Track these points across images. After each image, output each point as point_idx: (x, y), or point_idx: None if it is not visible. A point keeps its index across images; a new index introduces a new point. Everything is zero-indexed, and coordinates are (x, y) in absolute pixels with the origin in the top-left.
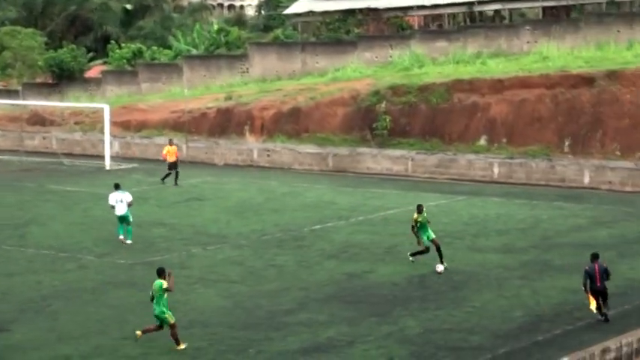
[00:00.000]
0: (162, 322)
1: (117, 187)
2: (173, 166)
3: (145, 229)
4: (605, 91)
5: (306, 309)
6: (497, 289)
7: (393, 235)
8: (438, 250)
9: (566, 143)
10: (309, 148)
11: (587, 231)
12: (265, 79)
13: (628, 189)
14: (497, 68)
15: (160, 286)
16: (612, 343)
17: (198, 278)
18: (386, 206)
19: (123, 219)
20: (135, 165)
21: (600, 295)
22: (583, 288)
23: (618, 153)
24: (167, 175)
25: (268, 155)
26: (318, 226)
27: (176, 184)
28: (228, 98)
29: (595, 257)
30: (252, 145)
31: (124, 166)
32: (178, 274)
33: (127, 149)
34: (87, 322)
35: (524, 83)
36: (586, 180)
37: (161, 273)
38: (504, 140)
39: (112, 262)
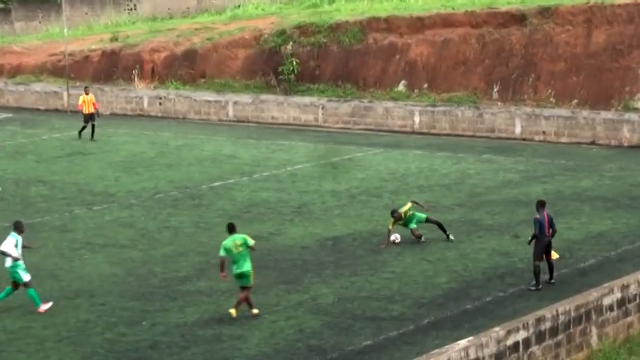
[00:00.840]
0: (246, 283)
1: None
2: (90, 117)
3: (23, 188)
4: (538, 30)
5: (206, 276)
6: (420, 252)
7: (303, 192)
8: (440, 226)
9: (495, 89)
10: (207, 96)
11: (519, 187)
12: (156, 18)
13: (564, 140)
14: (417, 5)
15: (246, 241)
16: (548, 312)
17: (83, 242)
18: (294, 160)
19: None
20: (9, 115)
21: (547, 248)
22: (530, 239)
23: (553, 100)
24: (83, 128)
25: (160, 104)
26: (218, 183)
27: (92, 138)
28: (114, 39)
29: (542, 205)
30: (142, 92)
31: None
32: (61, 238)
33: (0, 97)
34: None
35: (447, 22)
36: (517, 130)
37: (235, 227)
38: (426, 86)
39: None
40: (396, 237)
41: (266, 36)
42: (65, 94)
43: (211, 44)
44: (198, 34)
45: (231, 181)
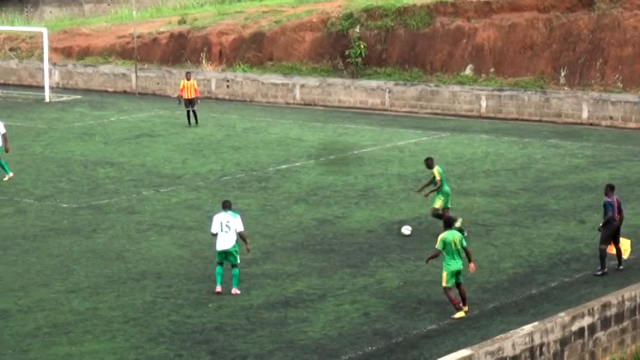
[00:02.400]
0: (458, 280)
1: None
2: (190, 103)
3: (91, 169)
4: (606, 15)
5: (272, 259)
6: (486, 236)
7: (369, 176)
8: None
9: (562, 74)
10: (274, 79)
11: (585, 172)
12: (224, 1)
13: (631, 125)
14: None
15: (462, 239)
16: (613, 298)
17: (150, 224)
18: (360, 144)
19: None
20: (78, 97)
21: (615, 233)
22: (603, 223)
23: (620, 85)
24: (188, 114)
25: (228, 86)
26: (285, 166)
27: (196, 123)
28: (182, 22)
29: (612, 189)
30: (209, 75)
31: (65, 97)
32: (128, 220)
33: (69, 79)
34: (27, 273)
35: (514, 6)
36: (584, 115)
37: (453, 222)
38: (492, 70)
39: (54, 205)
40: (407, 228)
41: (333, 19)
42: (133, 76)
43: (279, 27)
44: (266, 17)
45: (297, 164)
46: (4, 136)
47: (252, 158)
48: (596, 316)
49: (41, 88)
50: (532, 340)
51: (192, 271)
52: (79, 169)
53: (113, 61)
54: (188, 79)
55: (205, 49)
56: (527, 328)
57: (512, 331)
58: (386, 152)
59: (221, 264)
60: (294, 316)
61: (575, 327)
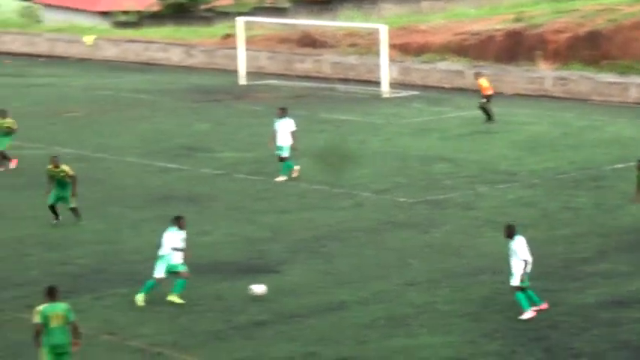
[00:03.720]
0: None
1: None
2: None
3: (427, 165)
4: None
5: (606, 258)
6: None
7: None
8: None
9: None
10: (609, 77)
11: None
12: None
13: None
14: None
15: None
16: None
17: (485, 220)
18: None
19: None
20: (415, 92)
21: None
22: None
23: None
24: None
25: (563, 84)
26: (620, 165)
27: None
28: (518, 20)
29: None
30: (544, 73)
31: (402, 93)
32: (464, 215)
33: (406, 75)
34: (365, 265)
35: None
36: None
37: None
38: None
39: (391, 199)
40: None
41: None
42: (469, 73)
43: (614, 26)
44: (602, 15)
45: (631, 163)
46: (293, 134)
47: (587, 156)
48: None
49: (379, 83)
50: None
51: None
52: (415, 164)
53: (449, 57)
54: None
55: (540, 47)
56: None
57: None
58: None
59: None
60: (628, 316)
61: None
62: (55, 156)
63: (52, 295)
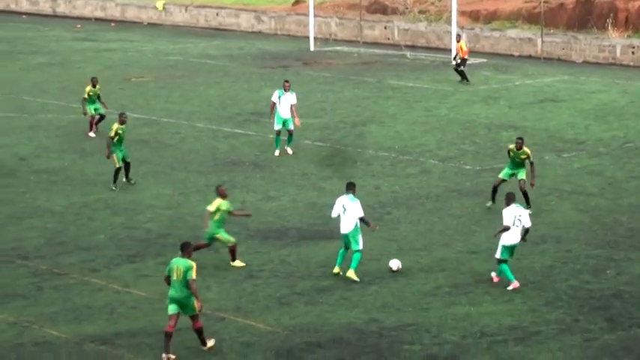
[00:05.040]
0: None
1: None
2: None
3: (494, 132)
4: None
5: None
6: None
7: None
8: None
9: None
10: None
11: None
12: None
13: None
14: None
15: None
16: None
17: (551, 189)
18: None
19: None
20: (483, 60)
21: None
22: None
23: None
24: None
25: (633, 53)
26: None
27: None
28: None
29: None
30: (615, 41)
31: (471, 61)
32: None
33: (475, 42)
34: (429, 232)
35: None
36: None
37: None
38: None
39: (457, 167)
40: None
41: None
42: (539, 40)
43: None
44: None
45: None
46: (292, 107)
47: None
48: None
49: (448, 50)
50: None
51: (592, 237)
52: (482, 132)
53: (519, 25)
54: (458, 41)
55: (611, 14)
56: None
57: None
58: None
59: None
60: None
61: None
62: (123, 113)
63: (182, 250)
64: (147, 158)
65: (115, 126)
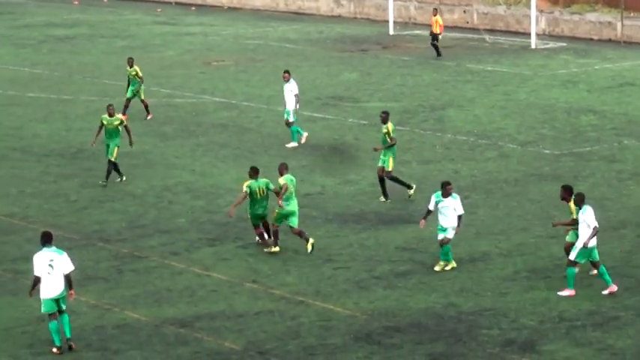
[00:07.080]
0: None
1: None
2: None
3: (573, 116)
4: None
5: None
6: None
7: None
8: None
9: None
10: None
11: None
12: None
13: None
14: None
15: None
16: None
17: (631, 174)
18: None
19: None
20: (563, 44)
21: None
22: None
23: None
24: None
25: None
26: None
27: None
28: None
29: None
30: None
31: (550, 44)
32: (608, 168)
33: (555, 26)
34: (508, 217)
35: None
36: None
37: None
38: None
39: (536, 151)
40: None
41: None
42: (619, 24)
43: None
44: None
45: None
46: (296, 96)
47: None
48: None
49: (527, 34)
50: None
51: None
52: (562, 116)
53: (599, 8)
54: (434, 15)
55: None
56: None
57: None
58: None
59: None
60: None
61: None
62: (110, 104)
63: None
64: (227, 142)
65: (103, 117)
